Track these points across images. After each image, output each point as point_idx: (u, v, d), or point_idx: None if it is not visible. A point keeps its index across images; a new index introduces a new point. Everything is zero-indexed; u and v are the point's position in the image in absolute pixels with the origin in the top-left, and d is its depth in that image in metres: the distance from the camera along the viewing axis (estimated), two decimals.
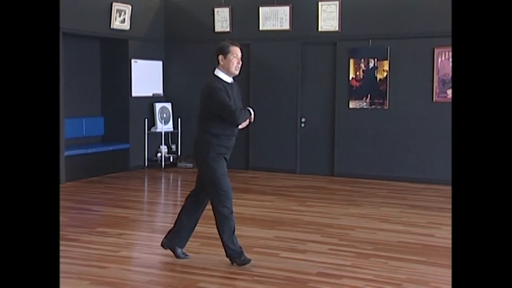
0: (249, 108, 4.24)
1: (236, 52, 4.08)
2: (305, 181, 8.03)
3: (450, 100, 7.59)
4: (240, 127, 4.18)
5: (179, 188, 8.19)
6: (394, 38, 7.88)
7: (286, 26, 8.47)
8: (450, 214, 6.69)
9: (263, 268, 4.14)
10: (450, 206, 7.21)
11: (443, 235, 5.12)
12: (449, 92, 7.59)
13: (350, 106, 8.20)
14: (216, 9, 8.88)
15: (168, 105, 9.33)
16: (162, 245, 4.38)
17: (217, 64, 4.15)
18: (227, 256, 4.19)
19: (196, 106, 9.18)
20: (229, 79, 4.13)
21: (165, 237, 4.38)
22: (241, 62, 4.10)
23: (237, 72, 4.12)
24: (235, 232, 4.17)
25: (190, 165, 9.13)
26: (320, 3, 8.20)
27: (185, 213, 4.32)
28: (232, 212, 4.15)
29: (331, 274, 4.02)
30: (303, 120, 8.58)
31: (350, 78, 8.15)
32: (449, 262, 4.32)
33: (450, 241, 4.97)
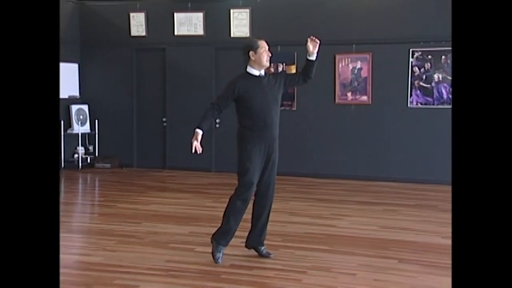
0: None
1: (264, 46, 4.05)
2: (220, 179, 8.03)
3: (350, 102, 7.92)
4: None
5: (96, 189, 7.91)
6: (300, 45, 8.00)
7: (200, 31, 8.44)
8: (350, 206, 6.96)
9: (178, 262, 4.09)
10: (351, 198, 7.47)
11: (344, 225, 5.32)
12: (349, 95, 7.90)
13: None
14: (131, 14, 8.66)
15: (85, 107, 8.99)
16: (245, 246, 4.26)
17: (247, 60, 4.08)
18: (212, 238, 4.13)
19: (113, 107, 9.01)
20: (256, 72, 4.08)
21: (245, 241, 4.26)
22: (270, 54, 4.09)
23: (268, 64, 4.07)
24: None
25: (108, 165, 8.85)
26: (232, 10, 8.24)
27: (253, 214, 4.20)
28: (245, 207, 4.07)
29: (243, 265, 4.05)
30: (217, 121, 8.57)
31: None
32: (349, 249, 4.51)
33: (350, 230, 5.19)
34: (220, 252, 4.09)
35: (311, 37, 4.23)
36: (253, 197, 4.21)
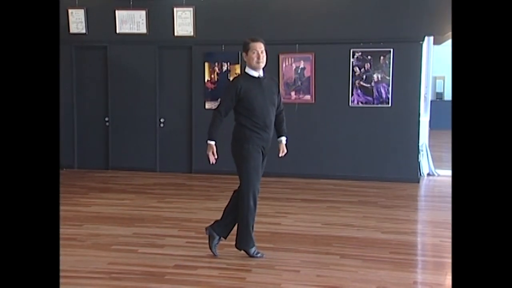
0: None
1: (254, 48, 4.09)
2: (165, 179, 7.95)
3: (294, 101, 8.02)
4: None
5: None
6: None
7: (143, 30, 8.30)
8: (294, 204, 7.06)
9: (121, 264, 4.03)
10: (295, 196, 7.57)
11: (288, 223, 5.40)
12: (293, 94, 8.01)
13: (206, 106, 8.27)
14: (70, 10, 8.40)
15: None
16: (205, 228, 4.31)
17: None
18: (239, 247, 4.17)
19: None
20: (255, 74, 4.13)
21: (210, 225, 4.29)
22: (262, 55, 4.09)
23: (260, 65, 4.10)
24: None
25: None
26: (175, 9, 8.16)
27: (229, 206, 4.25)
28: (256, 204, 4.12)
29: (188, 265, 4.03)
30: (162, 120, 8.48)
31: (206, 80, 8.23)
32: (293, 246, 4.57)
33: (294, 228, 5.27)
34: (254, 250, 4.18)
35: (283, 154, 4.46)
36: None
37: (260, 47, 4.14)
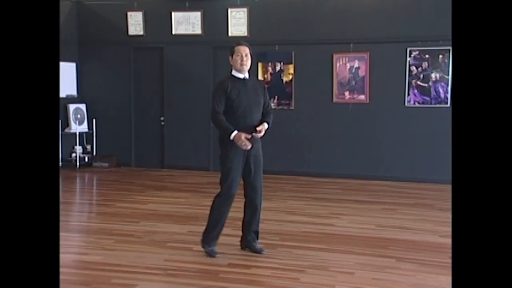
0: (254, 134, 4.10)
1: (238, 51, 4.15)
2: (218, 178, 8.00)
3: (348, 101, 7.93)
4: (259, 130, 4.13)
5: (94, 188, 7.90)
6: (298, 44, 8.08)
7: (198, 30, 8.44)
8: (348, 205, 6.94)
9: (177, 262, 4.10)
10: (348, 197, 7.45)
11: (342, 224, 5.33)
12: (347, 94, 7.90)
13: None
14: (129, 13, 8.65)
15: (83, 106, 8.98)
16: (241, 248, 4.39)
17: None
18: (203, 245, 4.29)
19: (111, 106, 9.01)
20: (240, 75, 4.19)
21: (241, 242, 4.41)
22: (246, 58, 4.13)
23: (243, 67, 4.15)
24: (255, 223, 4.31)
25: (106, 164, 8.84)
26: (229, 10, 8.24)
27: (244, 217, 4.37)
28: (228, 208, 4.24)
29: (241, 264, 4.06)
30: None
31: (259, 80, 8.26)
32: (347, 248, 4.52)
33: (348, 229, 5.20)
34: (208, 248, 4.22)
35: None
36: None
37: (244, 50, 4.16)
